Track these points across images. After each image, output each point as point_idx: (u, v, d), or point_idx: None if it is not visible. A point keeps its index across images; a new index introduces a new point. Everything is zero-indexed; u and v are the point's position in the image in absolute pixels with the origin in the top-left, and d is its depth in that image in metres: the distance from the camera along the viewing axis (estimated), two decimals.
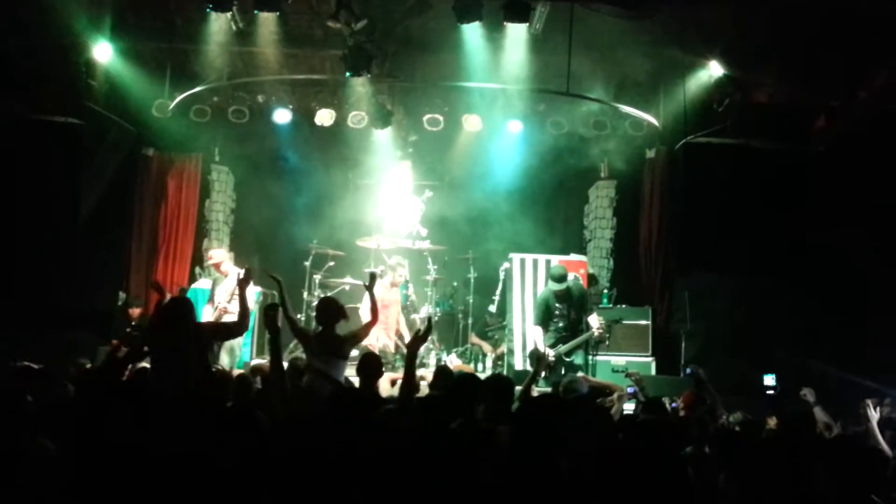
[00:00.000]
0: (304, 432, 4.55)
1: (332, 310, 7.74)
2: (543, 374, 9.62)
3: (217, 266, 10.42)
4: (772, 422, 6.98)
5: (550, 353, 9.58)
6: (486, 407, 5.39)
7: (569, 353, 9.75)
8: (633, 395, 7.23)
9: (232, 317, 9.99)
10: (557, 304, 9.90)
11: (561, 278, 9.84)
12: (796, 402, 7.27)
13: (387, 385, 8.11)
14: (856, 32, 9.76)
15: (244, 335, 10.97)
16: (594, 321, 9.89)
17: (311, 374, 7.07)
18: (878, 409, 6.62)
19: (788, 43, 10.25)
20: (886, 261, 10.14)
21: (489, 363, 12.06)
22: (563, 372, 9.43)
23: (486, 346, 12.40)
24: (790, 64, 10.62)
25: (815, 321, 10.47)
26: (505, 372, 11.08)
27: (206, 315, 9.98)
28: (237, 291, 10.03)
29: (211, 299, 10.27)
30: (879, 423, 6.47)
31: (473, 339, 12.51)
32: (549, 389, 8.92)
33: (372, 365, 6.90)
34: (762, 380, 8.60)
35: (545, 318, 9.94)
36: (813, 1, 9.43)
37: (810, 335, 10.29)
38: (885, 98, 10.46)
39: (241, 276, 7.47)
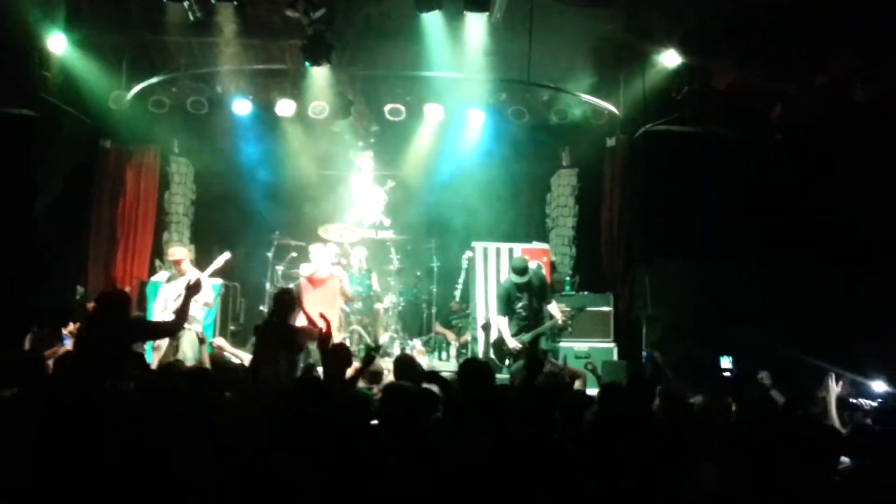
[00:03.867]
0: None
1: (285, 301, 7.78)
2: (507, 361, 9.70)
3: (177, 264, 10.30)
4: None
5: (514, 343, 9.66)
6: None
7: (532, 342, 9.81)
8: None
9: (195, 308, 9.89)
10: (518, 294, 9.94)
11: (522, 271, 9.88)
12: (754, 386, 7.36)
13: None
14: (813, 19, 9.87)
15: (208, 328, 10.97)
16: (555, 310, 9.95)
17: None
18: (839, 383, 6.69)
19: (746, 30, 10.35)
20: (846, 245, 10.31)
21: (453, 352, 12.10)
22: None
23: (451, 335, 12.43)
24: (748, 51, 10.71)
25: (776, 305, 10.63)
26: None
27: (156, 310, 9.85)
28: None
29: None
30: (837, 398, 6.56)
31: (437, 328, 12.54)
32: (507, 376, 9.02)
33: (340, 355, 6.90)
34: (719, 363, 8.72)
35: (508, 308, 9.99)
36: None
37: (771, 319, 10.43)
38: (843, 84, 10.60)
39: (191, 283, 7.41)
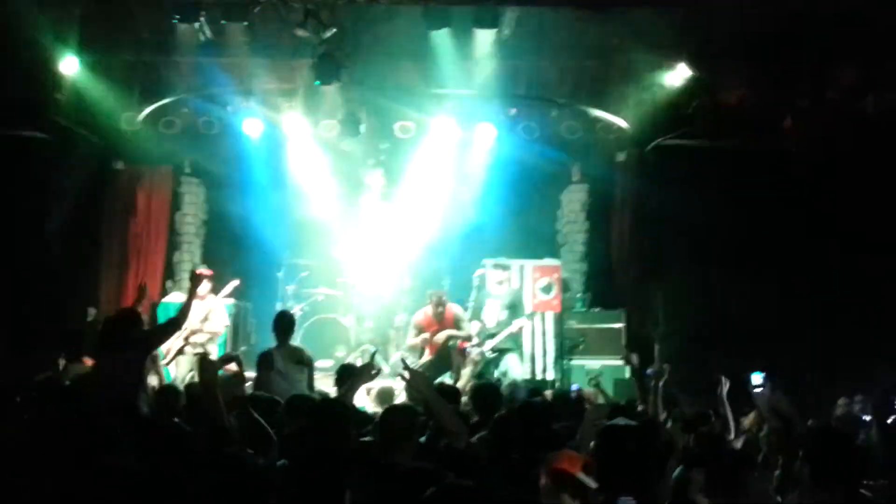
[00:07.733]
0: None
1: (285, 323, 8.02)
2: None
3: None
4: (747, 421, 7.00)
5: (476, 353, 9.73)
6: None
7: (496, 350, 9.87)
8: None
9: (202, 335, 9.92)
10: None
11: None
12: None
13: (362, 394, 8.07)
14: (821, 32, 9.87)
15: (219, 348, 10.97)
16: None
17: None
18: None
19: (755, 44, 10.33)
20: (858, 258, 10.25)
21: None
22: (492, 369, 9.72)
23: None
24: (757, 65, 10.71)
25: (789, 319, 10.56)
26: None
27: None
28: (209, 315, 10.01)
29: None
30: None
31: None
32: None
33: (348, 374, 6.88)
34: (749, 379, 8.57)
35: None
36: (778, 1, 9.52)
37: (785, 333, 10.36)
38: (853, 96, 10.58)
39: (192, 276, 7.50)
